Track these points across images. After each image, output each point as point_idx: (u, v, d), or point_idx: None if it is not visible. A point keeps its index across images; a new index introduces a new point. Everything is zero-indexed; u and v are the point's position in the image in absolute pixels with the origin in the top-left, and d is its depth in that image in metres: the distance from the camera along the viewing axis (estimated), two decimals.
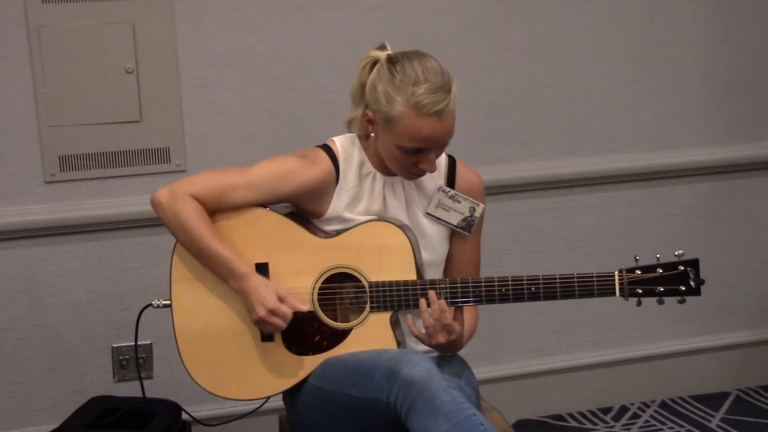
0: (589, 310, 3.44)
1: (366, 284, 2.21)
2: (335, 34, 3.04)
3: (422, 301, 2.17)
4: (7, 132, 2.86)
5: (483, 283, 2.19)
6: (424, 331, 2.17)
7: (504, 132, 3.26)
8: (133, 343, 2.97)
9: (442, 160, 2.33)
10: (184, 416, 2.76)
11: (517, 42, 3.21)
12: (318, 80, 3.04)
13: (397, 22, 3.07)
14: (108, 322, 3.01)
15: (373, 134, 2.21)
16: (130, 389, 2.98)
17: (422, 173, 2.21)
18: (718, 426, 3.36)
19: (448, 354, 2.31)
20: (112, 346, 3.03)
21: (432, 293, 2.16)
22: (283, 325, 2.16)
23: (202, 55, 2.96)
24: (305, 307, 2.19)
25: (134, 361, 3.02)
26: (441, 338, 2.15)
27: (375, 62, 2.20)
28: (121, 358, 3.03)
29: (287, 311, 2.15)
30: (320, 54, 3.04)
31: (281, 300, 2.15)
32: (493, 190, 3.24)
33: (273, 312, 2.14)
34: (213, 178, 2.23)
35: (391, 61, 2.16)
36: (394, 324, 2.22)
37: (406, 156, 2.15)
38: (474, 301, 2.19)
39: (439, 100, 2.09)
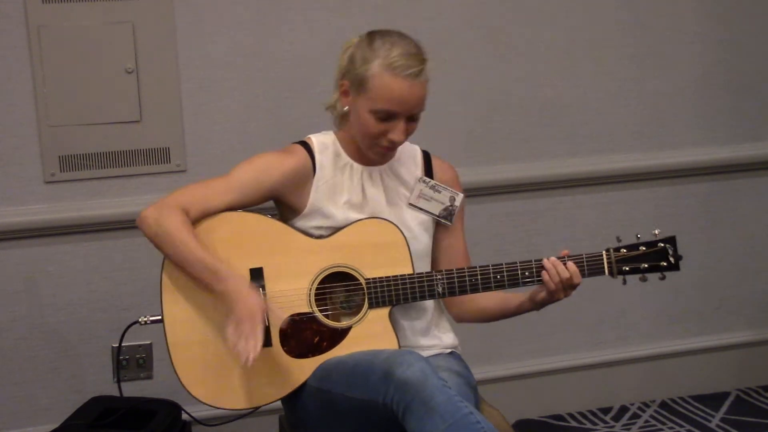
0: (589, 310, 3.45)
1: (363, 281, 2.21)
2: (335, 35, 3.03)
3: (549, 262, 2.23)
4: (7, 132, 2.86)
5: (479, 271, 2.21)
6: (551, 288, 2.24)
7: (504, 132, 3.26)
8: (134, 343, 2.99)
9: (417, 154, 2.38)
10: (184, 416, 2.76)
11: (517, 42, 3.22)
12: (318, 80, 3.03)
13: (397, 22, 3.05)
14: (108, 322, 3.00)
15: (346, 108, 2.24)
16: (130, 389, 2.98)
17: (392, 148, 2.24)
18: (718, 426, 3.36)
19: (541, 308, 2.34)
20: (112, 346, 3.02)
21: (554, 260, 2.22)
22: (254, 344, 2.06)
23: (202, 55, 2.96)
24: (281, 319, 2.17)
25: (134, 361, 3.03)
26: (568, 293, 2.24)
27: None
28: (121, 358, 3.03)
29: (259, 334, 2.07)
30: (320, 54, 3.04)
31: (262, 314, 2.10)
32: (493, 190, 3.25)
33: (252, 326, 2.07)
34: (195, 186, 2.26)
35: (370, 33, 2.24)
36: (393, 319, 2.23)
37: (376, 123, 2.18)
38: (471, 290, 2.22)
39: (412, 64, 2.15)
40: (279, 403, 2.40)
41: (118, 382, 2.66)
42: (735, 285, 3.60)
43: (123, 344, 2.99)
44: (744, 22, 3.41)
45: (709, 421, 3.40)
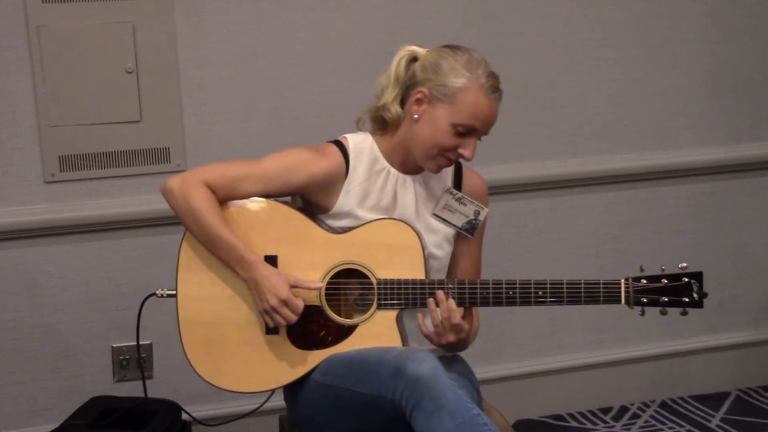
0: (589, 311, 3.43)
1: (374, 281, 2.21)
2: (335, 34, 3.04)
3: (431, 301, 2.18)
4: (7, 132, 2.86)
5: (491, 286, 2.20)
6: (432, 329, 2.19)
7: (504, 132, 3.25)
8: (133, 343, 2.97)
9: None
10: (184, 416, 2.76)
11: (517, 42, 3.21)
12: (318, 80, 3.04)
13: (397, 22, 3.07)
14: (108, 322, 3.01)
15: (416, 116, 2.21)
16: (130, 389, 2.98)
17: (452, 162, 2.24)
18: (718, 426, 3.36)
19: (452, 353, 2.32)
20: (112, 346, 3.03)
21: (440, 293, 2.18)
22: (292, 318, 2.17)
23: (202, 55, 2.96)
24: (316, 286, 2.20)
25: (134, 361, 3.02)
26: (450, 337, 2.17)
27: (413, 57, 2.26)
28: (121, 358, 3.03)
29: (299, 303, 2.16)
30: (320, 54, 3.04)
31: (294, 287, 2.17)
32: (493, 190, 3.22)
33: (285, 302, 2.15)
34: (225, 167, 2.26)
35: (450, 46, 2.23)
36: (400, 322, 2.23)
37: (452, 137, 2.18)
38: (481, 303, 2.20)
39: (497, 86, 2.19)
40: (280, 403, 2.40)
41: (143, 377, 2.66)
42: (735, 285, 3.60)
43: (123, 344, 3.01)
44: (744, 23, 3.41)
45: (709, 421, 3.40)
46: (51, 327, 2.97)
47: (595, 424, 3.40)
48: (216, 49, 2.97)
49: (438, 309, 2.17)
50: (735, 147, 3.48)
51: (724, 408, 3.50)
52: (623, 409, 3.51)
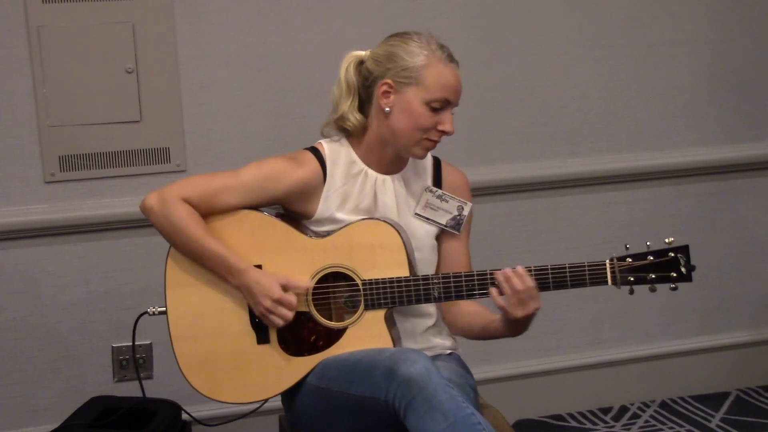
0: (588, 310, 3.45)
1: (359, 282, 2.21)
2: (335, 34, 3.04)
3: (498, 274, 2.14)
4: (7, 132, 2.86)
5: (476, 277, 2.19)
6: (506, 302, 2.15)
7: (504, 132, 3.26)
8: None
9: (428, 161, 2.37)
10: (184, 416, 2.76)
11: (517, 42, 3.22)
12: (318, 80, 3.04)
13: (397, 22, 3.06)
14: (108, 322, 3.01)
15: (387, 108, 2.22)
16: (130, 389, 2.98)
17: (435, 143, 2.24)
18: (718, 426, 3.36)
19: (516, 333, 2.25)
20: (112, 346, 3.03)
21: (507, 269, 2.13)
22: (289, 315, 2.17)
23: (202, 55, 2.96)
24: (305, 285, 2.20)
25: (134, 361, 3.02)
26: (533, 305, 2.12)
27: (359, 61, 2.28)
28: (121, 358, 3.03)
29: (292, 299, 2.17)
30: (320, 54, 3.04)
31: (285, 288, 2.17)
32: (493, 190, 3.25)
33: (279, 302, 2.16)
34: (202, 180, 2.26)
35: (395, 34, 2.26)
36: (389, 321, 2.23)
37: (430, 116, 2.19)
38: (467, 295, 2.19)
39: (452, 54, 2.23)
40: (279, 403, 2.41)
41: (140, 383, 2.65)
42: (735, 285, 3.60)
43: (123, 344, 3.01)
44: (744, 22, 3.41)
45: (709, 421, 3.39)
46: (51, 327, 2.98)
47: (595, 424, 3.40)
48: (216, 49, 2.97)
49: (511, 281, 2.12)
50: (735, 147, 3.48)
51: (724, 408, 3.50)
52: (623, 409, 3.51)
